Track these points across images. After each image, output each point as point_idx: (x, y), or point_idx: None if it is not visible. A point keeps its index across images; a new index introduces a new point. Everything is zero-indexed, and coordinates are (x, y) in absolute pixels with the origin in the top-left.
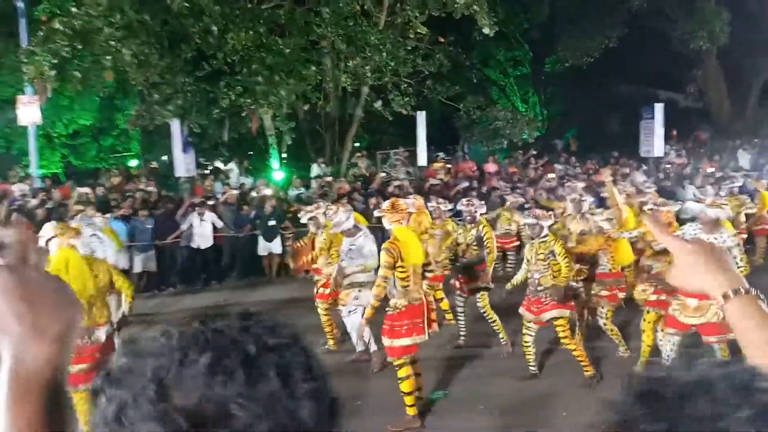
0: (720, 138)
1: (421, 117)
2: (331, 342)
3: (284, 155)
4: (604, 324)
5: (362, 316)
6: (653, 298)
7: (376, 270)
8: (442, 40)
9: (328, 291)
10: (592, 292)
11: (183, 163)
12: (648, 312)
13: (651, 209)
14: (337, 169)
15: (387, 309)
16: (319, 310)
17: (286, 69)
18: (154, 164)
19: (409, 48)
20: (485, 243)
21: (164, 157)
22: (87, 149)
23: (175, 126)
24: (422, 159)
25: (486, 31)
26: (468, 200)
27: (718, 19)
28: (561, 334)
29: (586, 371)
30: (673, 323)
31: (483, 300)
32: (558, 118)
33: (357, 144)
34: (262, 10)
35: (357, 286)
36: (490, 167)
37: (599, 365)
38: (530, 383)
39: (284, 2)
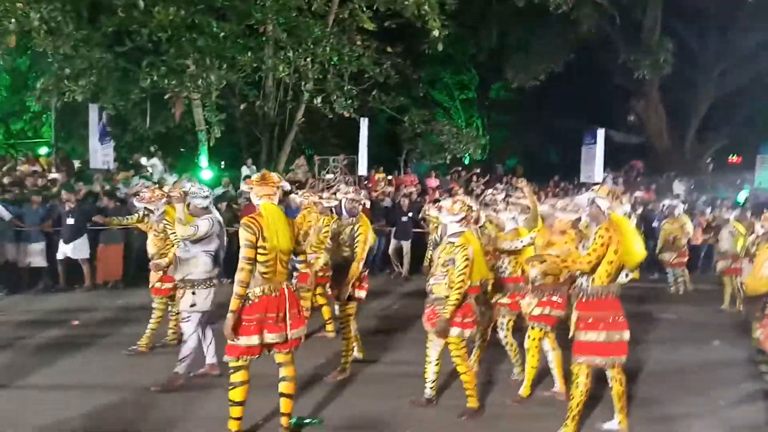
0: (657, 168)
1: (364, 123)
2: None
3: (221, 160)
4: (504, 337)
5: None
6: (537, 312)
7: (217, 263)
8: (390, 50)
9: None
10: (493, 300)
11: (99, 154)
12: (532, 328)
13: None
14: (269, 171)
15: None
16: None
17: (219, 53)
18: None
19: (356, 47)
20: (356, 243)
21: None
22: None
23: (93, 112)
24: (363, 167)
25: (435, 33)
26: (355, 189)
27: (662, 50)
28: (453, 354)
29: (470, 403)
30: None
31: (345, 311)
32: (500, 145)
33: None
34: None
35: (190, 284)
36: (432, 182)
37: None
38: (421, 409)
39: None
